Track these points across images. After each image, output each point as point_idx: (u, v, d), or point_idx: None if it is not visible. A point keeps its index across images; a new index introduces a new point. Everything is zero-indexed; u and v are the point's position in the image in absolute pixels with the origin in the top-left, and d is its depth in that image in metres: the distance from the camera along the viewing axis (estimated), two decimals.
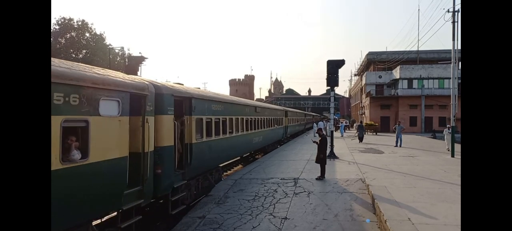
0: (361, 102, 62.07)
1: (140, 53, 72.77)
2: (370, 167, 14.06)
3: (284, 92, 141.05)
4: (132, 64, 26.89)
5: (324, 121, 45.98)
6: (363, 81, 56.82)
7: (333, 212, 8.12)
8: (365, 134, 32.12)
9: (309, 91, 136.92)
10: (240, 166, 18.77)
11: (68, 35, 45.92)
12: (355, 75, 79.37)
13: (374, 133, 40.78)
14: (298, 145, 25.90)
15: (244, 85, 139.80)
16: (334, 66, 16.55)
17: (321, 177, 11.84)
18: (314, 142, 12.89)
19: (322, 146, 12.12)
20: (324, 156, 12.09)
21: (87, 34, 47.31)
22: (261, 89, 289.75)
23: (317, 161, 12.18)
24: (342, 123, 43.77)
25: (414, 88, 46.84)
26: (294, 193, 10.02)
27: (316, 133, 13.26)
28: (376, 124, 43.84)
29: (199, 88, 14.65)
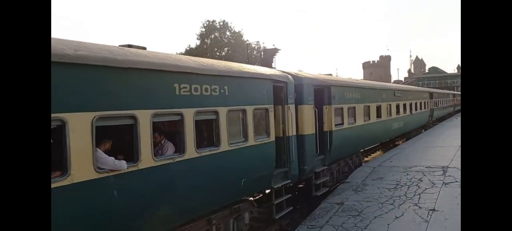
0: None
1: (273, 45, 76.60)
2: None
3: (426, 71, 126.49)
4: (267, 56, 28.55)
5: None
6: None
7: None
8: None
9: (459, 68, 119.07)
10: (378, 152, 17.94)
11: (212, 35, 51.82)
12: None
13: None
14: (445, 130, 23.04)
15: (379, 67, 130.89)
16: None
17: None
18: None
19: None
20: None
21: (228, 33, 52.38)
22: (399, 70, 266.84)
23: None
24: None
25: None
26: (443, 182, 9.11)
27: None
28: None
29: (330, 74, 14.26)
